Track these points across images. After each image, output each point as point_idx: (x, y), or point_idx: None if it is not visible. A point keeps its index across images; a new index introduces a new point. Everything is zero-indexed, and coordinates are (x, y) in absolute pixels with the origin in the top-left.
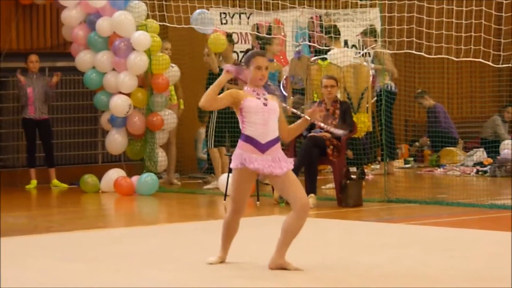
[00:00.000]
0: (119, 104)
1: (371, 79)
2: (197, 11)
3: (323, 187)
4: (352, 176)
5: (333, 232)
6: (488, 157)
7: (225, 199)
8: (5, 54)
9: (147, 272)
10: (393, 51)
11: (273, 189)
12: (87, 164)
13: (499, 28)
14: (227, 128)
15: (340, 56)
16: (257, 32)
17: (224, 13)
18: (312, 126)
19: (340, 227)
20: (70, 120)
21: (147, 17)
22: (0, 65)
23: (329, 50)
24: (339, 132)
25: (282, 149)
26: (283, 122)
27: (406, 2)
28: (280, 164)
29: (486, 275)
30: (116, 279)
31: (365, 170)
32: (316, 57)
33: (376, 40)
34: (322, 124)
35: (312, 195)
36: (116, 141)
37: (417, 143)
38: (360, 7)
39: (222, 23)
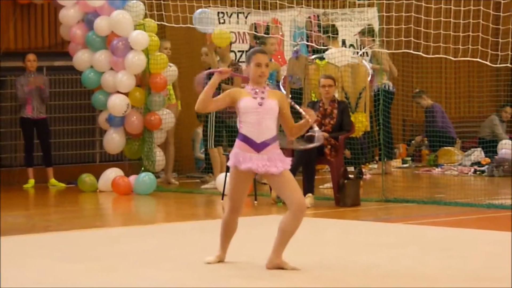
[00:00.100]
0: (117, 103)
1: (369, 79)
2: (198, 10)
3: (320, 186)
4: (350, 176)
5: (330, 232)
6: (486, 156)
7: (222, 199)
8: (3, 53)
9: (145, 271)
10: (391, 51)
11: (270, 189)
12: (85, 164)
13: (497, 27)
14: (225, 128)
15: (338, 55)
16: (255, 31)
17: (222, 12)
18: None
19: (337, 227)
20: (68, 119)
21: (145, 16)
22: None
23: (327, 50)
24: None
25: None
26: (288, 119)
27: (404, 1)
28: (276, 163)
29: (484, 275)
30: (114, 279)
31: (363, 170)
32: (314, 57)
33: (374, 40)
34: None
35: (310, 194)
36: (114, 140)
37: (413, 141)
38: (358, 7)
39: (220, 23)
